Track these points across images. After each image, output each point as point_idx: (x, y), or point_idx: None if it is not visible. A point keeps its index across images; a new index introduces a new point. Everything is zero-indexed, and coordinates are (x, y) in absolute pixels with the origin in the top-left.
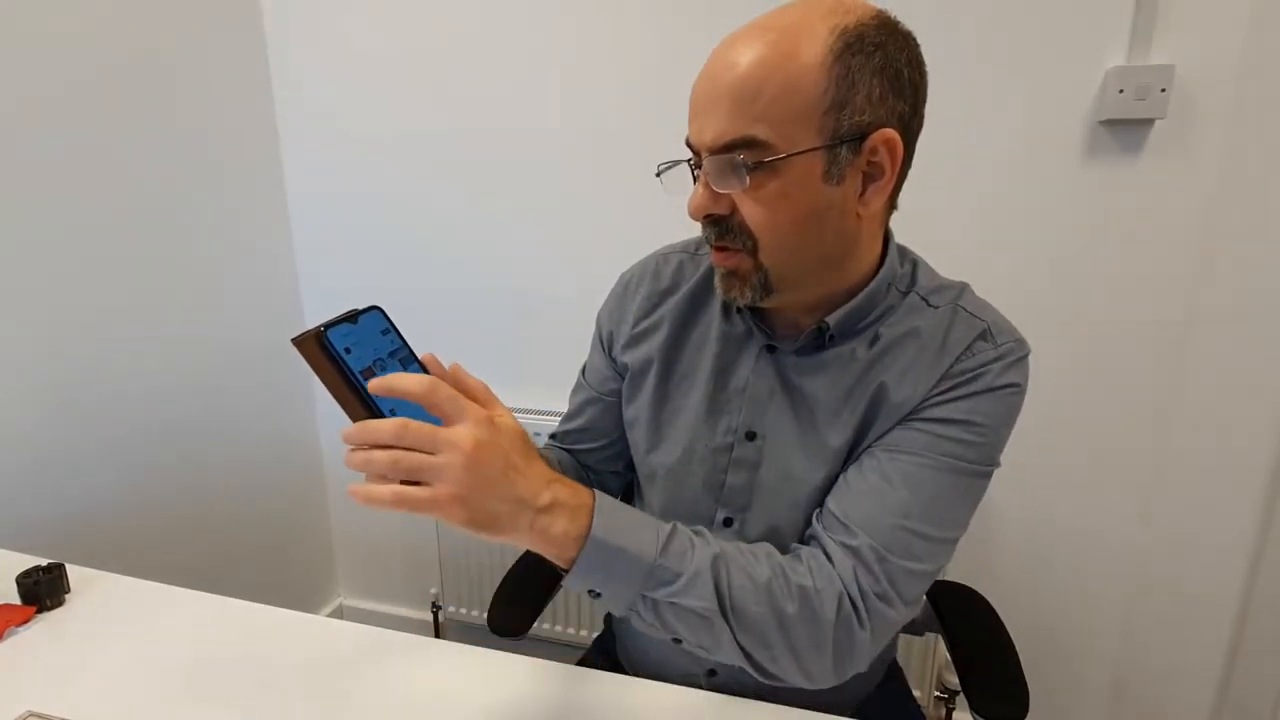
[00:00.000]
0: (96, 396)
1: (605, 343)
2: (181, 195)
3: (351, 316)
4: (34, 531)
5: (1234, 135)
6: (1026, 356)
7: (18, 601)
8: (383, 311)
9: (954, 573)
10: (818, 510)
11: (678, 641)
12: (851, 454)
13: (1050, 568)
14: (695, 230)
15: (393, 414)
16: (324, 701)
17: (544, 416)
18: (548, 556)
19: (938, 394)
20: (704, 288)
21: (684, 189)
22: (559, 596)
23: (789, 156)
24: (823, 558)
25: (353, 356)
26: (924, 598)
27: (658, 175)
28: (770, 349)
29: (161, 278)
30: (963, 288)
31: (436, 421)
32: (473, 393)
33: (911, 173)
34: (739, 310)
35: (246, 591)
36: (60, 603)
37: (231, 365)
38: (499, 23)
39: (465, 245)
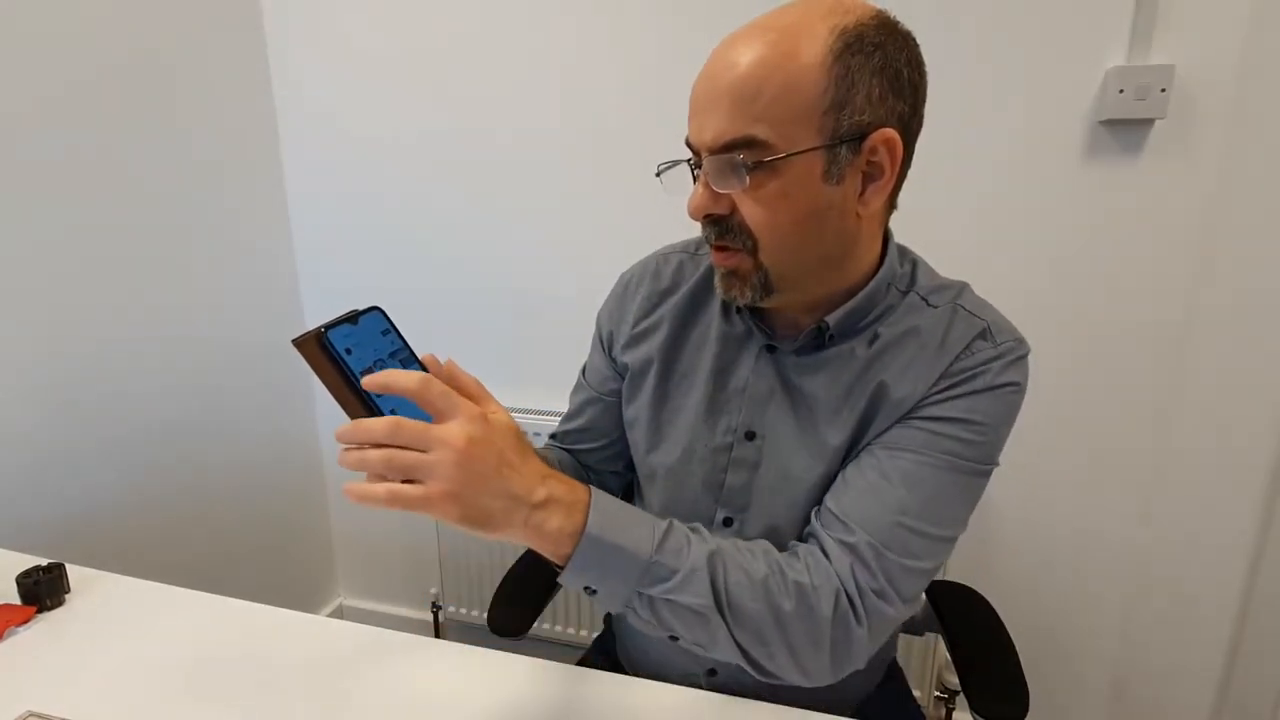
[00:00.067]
0: (96, 396)
1: (605, 343)
2: (181, 195)
3: (352, 317)
4: (34, 531)
5: (1234, 135)
6: (1026, 356)
7: (18, 601)
8: (383, 312)
9: (954, 573)
10: (816, 508)
11: (674, 639)
12: (851, 452)
13: (1050, 568)
14: (695, 230)
15: (393, 414)
16: (324, 701)
17: (544, 416)
18: (543, 553)
19: (937, 392)
20: (704, 288)
21: (684, 189)
22: (559, 596)
23: (789, 156)
24: (820, 555)
25: (353, 357)
26: (924, 597)
27: (657, 175)
28: (770, 349)
29: (161, 278)
30: (962, 287)
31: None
32: (467, 389)
33: (911, 173)
34: (739, 310)
35: (246, 591)
36: (60, 603)
37: (231, 365)
38: (499, 23)
39: (465, 245)
